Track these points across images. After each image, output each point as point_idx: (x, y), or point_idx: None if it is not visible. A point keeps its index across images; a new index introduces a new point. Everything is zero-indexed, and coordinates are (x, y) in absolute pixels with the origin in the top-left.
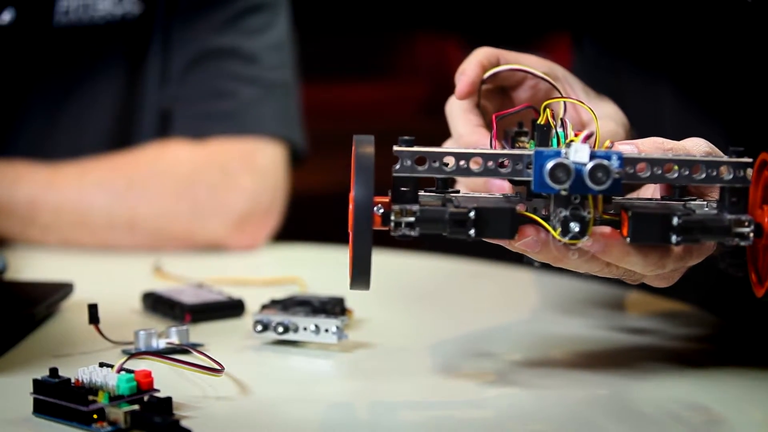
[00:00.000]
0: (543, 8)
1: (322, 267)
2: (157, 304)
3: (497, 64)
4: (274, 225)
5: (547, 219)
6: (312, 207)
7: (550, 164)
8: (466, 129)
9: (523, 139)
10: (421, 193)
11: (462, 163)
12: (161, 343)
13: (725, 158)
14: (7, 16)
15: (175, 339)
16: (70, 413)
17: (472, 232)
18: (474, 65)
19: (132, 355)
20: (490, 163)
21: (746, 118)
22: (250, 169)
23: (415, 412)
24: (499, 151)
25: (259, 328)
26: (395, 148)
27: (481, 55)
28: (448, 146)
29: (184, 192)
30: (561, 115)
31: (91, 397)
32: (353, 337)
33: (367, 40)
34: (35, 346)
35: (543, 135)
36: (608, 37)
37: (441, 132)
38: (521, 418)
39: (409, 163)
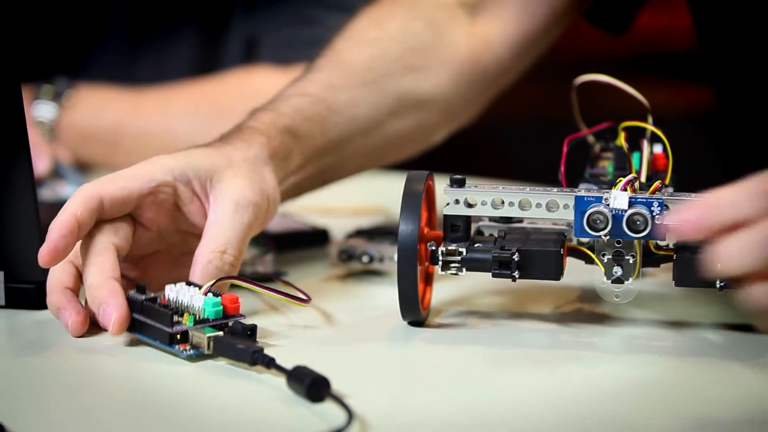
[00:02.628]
0: None
1: None
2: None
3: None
4: None
5: None
6: None
7: (588, 212)
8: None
9: (607, 156)
10: (483, 223)
11: (511, 203)
12: (246, 271)
13: None
14: None
15: (260, 268)
16: (155, 332)
17: (516, 273)
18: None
19: (220, 279)
20: (539, 204)
21: None
22: None
23: (502, 336)
24: (546, 192)
25: (344, 257)
26: (445, 188)
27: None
28: None
29: None
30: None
31: (176, 318)
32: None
33: None
34: None
35: (620, 157)
36: None
37: None
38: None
39: (459, 202)
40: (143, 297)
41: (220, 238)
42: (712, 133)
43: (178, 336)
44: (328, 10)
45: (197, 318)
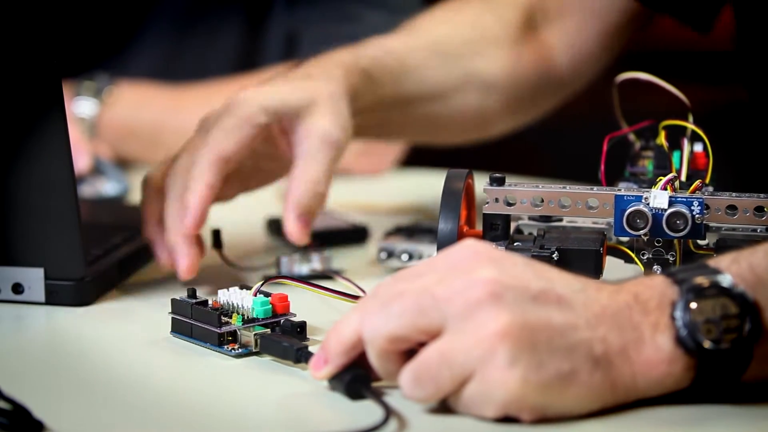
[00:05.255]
0: None
1: None
2: (282, 229)
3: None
4: (399, 150)
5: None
6: None
7: (628, 210)
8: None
9: (647, 154)
10: (522, 222)
11: (551, 202)
12: (304, 269)
13: None
14: None
15: (317, 265)
16: (204, 334)
17: None
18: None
19: (269, 279)
20: (578, 202)
21: None
22: None
23: None
24: (586, 191)
25: (384, 255)
26: (485, 186)
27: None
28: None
29: None
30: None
31: (224, 319)
32: None
33: None
34: (159, 269)
35: (660, 155)
36: None
37: None
38: None
39: (498, 201)
40: (193, 301)
41: (311, 171)
42: (716, 132)
43: (228, 336)
44: (368, 7)
45: (246, 318)
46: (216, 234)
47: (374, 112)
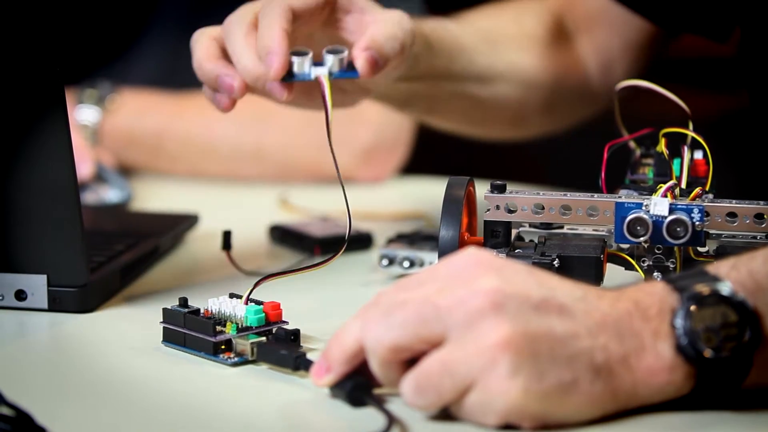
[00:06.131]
0: None
1: None
2: (284, 236)
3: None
4: (401, 158)
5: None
6: (440, 140)
7: (628, 218)
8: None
9: (648, 161)
10: (523, 229)
11: (552, 209)
12: (313, 71)
13: None
14: None
15: (334, 66)
16: (198, 343)
17: None
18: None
19: (258, 282)
20: (579, 210)
21: None
22: None
23: None
24: (586, 198)
25: (385, 262)
26: (486, 194)
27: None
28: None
29: (310, 123)
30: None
31: (219, 328)
32: None
33: None
34: (161, 276)
35: (661, 163)
36: None
37: None
38: None
39: (500, 208)
40: (185, 310)
41: (389, 23)
42: (717, 139)
43: (222, 345)
44: None
45: (240, 327)
46: (226, 235)
47: (427, 82)
